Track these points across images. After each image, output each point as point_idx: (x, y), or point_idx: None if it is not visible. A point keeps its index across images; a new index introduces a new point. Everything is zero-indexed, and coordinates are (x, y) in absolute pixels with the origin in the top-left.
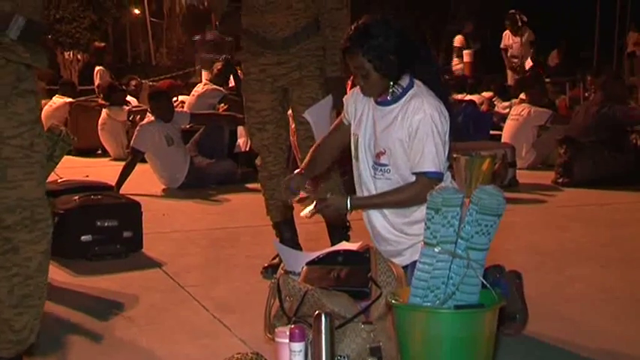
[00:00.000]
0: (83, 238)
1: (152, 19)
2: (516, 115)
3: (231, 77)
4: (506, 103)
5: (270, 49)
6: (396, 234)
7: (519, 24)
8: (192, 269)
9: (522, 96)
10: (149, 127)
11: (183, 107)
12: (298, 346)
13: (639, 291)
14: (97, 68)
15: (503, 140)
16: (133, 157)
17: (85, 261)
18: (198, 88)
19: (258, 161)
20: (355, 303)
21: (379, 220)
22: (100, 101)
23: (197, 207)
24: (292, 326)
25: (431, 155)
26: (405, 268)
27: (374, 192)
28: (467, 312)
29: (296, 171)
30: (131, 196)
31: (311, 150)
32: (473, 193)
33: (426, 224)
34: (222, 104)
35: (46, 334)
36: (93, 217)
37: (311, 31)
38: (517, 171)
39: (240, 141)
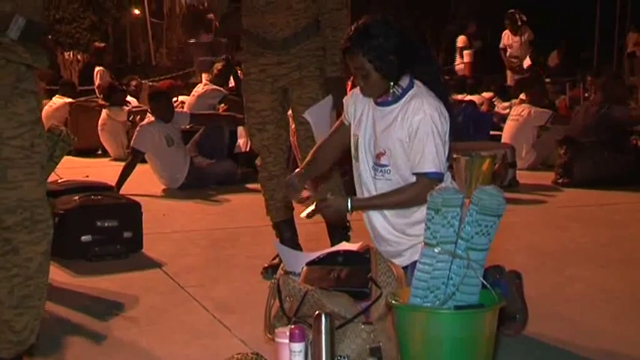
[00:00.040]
0: (83, 238)
1: (152, 20)
2: (516, 115)
3: (231, 77)
4: (507, 104)
5: (270, 50)
6: (396, 234)
7: (519, 23)
8: (193, 270)
9: (522, 96)
10: (149, 128)
11: (183, 107)
12: (298, 347)
13: (639, 291)
14: (97, 69)
15: (503, 140)
16: (133, 158)
17: (85, 261)
18: (199, 89)
19: (258, 161)
20: (355, 303)
21: (379, 220)
22: (100, 101)
23: (197, 207)
24: (292, 326)
25: (431, 156)
26: (405, 268)
27: (374, 192)
28: (467, 312)
29: (296, 170)
30: (131, 197)
31: (312, 150)
32: (473, 193)
33: (426, 224)
34: (222, 104)
35: (46, 334)
36: (93, 217)
37: (311, 31)
38: (517, 171)
39: (241, 141)
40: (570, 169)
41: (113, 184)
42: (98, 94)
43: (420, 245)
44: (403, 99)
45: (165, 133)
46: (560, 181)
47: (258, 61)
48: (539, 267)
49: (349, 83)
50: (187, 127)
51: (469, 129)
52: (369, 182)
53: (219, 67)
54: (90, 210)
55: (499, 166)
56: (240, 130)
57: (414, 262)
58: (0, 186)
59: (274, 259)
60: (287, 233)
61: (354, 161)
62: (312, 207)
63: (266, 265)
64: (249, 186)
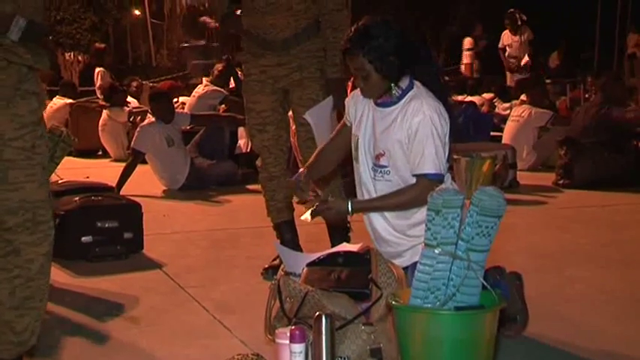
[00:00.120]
0: (83, 239)
1: (153, 21)
2: (517, 116)
3: (232, 78)
4: (507, 105)
5: (271, 51)
6: (396, 235)
7: (519, 23)
8: (193, 270)
9: (523, 97)
10: (150, 128)
11: (183, 108)
12: (299, 348)
13: (639, 292)
14: (98, 69)
15: (503, 141)
16: (134, 158)
17: (86, 262)
18: (199, 89)
19: (258, 162)
20: (356, 304)
21: (380, 221)
22: (101, 102)
23: (197, 208)
24: (293, 327)
25: (431, 157)
26: (405, 269)
27: (374, 194)
28: (467, 313)
29: (300, 170)
30: (131, 197)
31: (315, 152)
32: (473, 194)
33: (426, 225)
34: (223, 105)
35: (46, 334)
36: (93, 218)
37: (311, 32)
38: (517, 172)
39: (241, 142)
40: (571, 170)
41: (113, 184)
42: (99, 95)
43: (421, 246)
44: (403, 100)
45: (166, 134)
46: (560, 182)
47: (258, 62)
48: (540, 268)
49: (350, 84)
50: (188, 127)
51: (469, 130)
52: (368, 183)
53: (220, 68)
54: (90, 211)
55: (499, 167)
56: (241, 130)
57: (415, 263)
58: (1, 187)
59: (275, 259)
60: (287, 234)
61: (354, 162)
62: (313, 209)
63: (266, 266)
64: (250, 187)
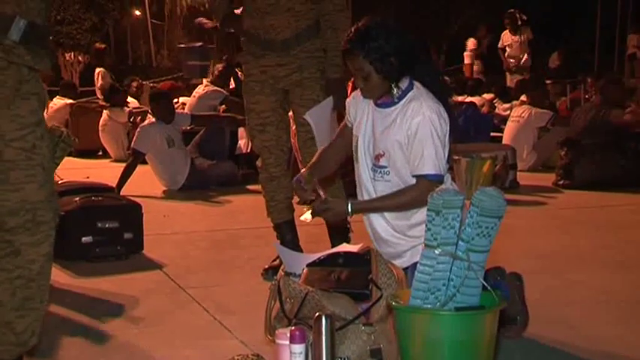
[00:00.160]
0: (84, 239)
1: (153, 21)
2: (517, 116)
3: (232, 79)
4: (507, 105)
5: (271, 51)
6: (396, 236)
7: (519, 23)
8: (193, 271)
9: (523, 98)
10: (150, 129)
11: (184, 109)
12: (299, 348)
13: (639, 294)
14: (98, 70)
15: (503, 142)
16: (134, 159)
17: (86, 262)
18: (199, 90)
19: (258, 163)
20: (356, 305)
21: (379, 222)
22: (101, 103)
23: (198, 208)
24: (293, 328)
25: (431, 158)
26: (405, 270)
27: (373, 194)
28: (467, 314)
29: (302, 170)
30: (132, 198)
31: (318, 152)
32: (473, 195)
33: (426, 226)
34: (223, 105)
35: (46, 335)
36: (93, 218)
37: (312, 32)
38: (518, 173)
39: (241, 142)
40: (571, 171)
41: (114, 185)
42: (99, 96)
43: (421, 247)
44: (402, 101)
45: (166, 135)
46: (560, 182)
47: (258, 62)
48: (540, 269)
49: (350, 85)
50: (188, 128)
51: (470, 131)
52: (368, 184)
53: (220, 69)
54: (90, 211)
55: (500, 168)
56: (241, 131)
57: (415, 264)
58: (2, 188)
59: (275, 260)
60: (288, 235)
61: (355, 163)
62: (313, 210)
63: (266, 267)
64: (250, 187)
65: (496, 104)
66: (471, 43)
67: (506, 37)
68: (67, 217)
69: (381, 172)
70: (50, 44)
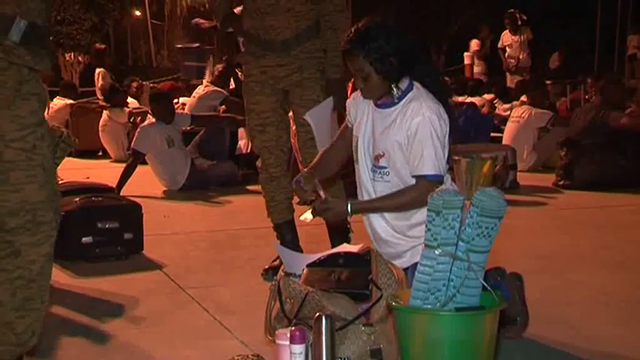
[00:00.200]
0: (84, 239)
1: (153, 21)
2: (517, 117)
3: (232, 79)
4: (507, 105)
5: (271, 51)
6: (396, 236)
7: (519, 23)
8: (193, 271)
9: (523, 98)
10: (150, 129)
11: (184, 109)
12: (299, 348)
13: (639, 294)
14: (98, 70)
15: (503, 142)
16: (134, 159)
17: (86, 263)
18: (199, 90)
19: (259, 163)
20: (356, 305)
21: (379, 222)
22: (101, 103)
23: (198, 209)
24: (293, 328)
25: (430, 158)
26: (405, 270)
27: (373, 194)
28: (467, 314)
29: (304, 170)
30: (132, 198)
31: (319, 153)
32: (473, 195)
33: (426, 226)
34: (223, 106)
35: (46, 335)
36: (94, 218)
37: (312, 33)
38: (518, 173)
39: (241, 143)
40: (571, 171)
41: (114, 185)
42: (99, 96)
43: (421, 247)
44: (402, 101)
45: (166, 135)
46: (560, 183)
47: (258, 62)
48: (540, 269)
49: (350, 85)
50: (188, 128)
51: (470, 131)
52: (368, 184)
53: (220, 69)
54: (91, 211)
55: (500, 168)
56: (241, 131)
57: (415, 264)
58: (2, 188)
59: (275, 260)
60: (288, 235)
61: (354, 163)
62: (313, 210)
63: (266, 267)
64: (250, 187)
65: (496, 105)
66: (474, 44)
67: (506, 37)
68: (67, 218)
69: (380, 172)
70: (50, 45)
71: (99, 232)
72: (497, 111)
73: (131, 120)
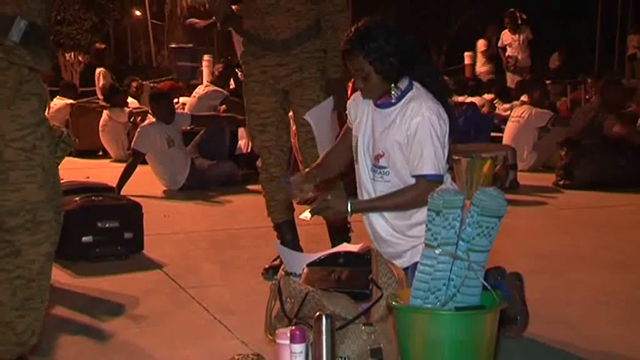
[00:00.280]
0: (84, 239)
1: (153, 21)
2: (517, 117)
3: (231, 79)
4: (507, 105)
5: (271, 51)
6: (396, 236)
7: (519, 22)
8: (193, 271)
9: (523, 98)
10: (150, 129)
11: (184, 109)
12: (299, 348)
13: (639, 294)
14: (99, 70)
15: (504, 142)
16: (134, 159)
17: (86, 262)
18: (200, 90)
19: (259, 163)
20: (356, 304)
21: (379, 222)
22: (101, 103)
23: (198, 208)
24: (293, 327)
25: (430, 158)
26: (405, 269)
27: (373, 194)
28: (468, 314)
29: (306, 170)
30: (132, 198)
31: (322, 155)
32: (474, 194)
33: (426, 226)
34: (223, 105)
35: (46, 334)
36: (94, 218)
37: (312, 33)
38: (518, 173)
39: (242, 142)
40: (571, 171)
41: (114, 185)
42: (100, 96)
43: (421, 246)
44: (402, 101)
45: (166, 135)
46: (561, 182)
47: (259, 62)
48: (540, 269)
49: (350, 85)
50: (188, 128)
51: (470, 131)
52: (368, 184)
53: (220, 70)
54: (91, 211)
55: (500, 168)
56: (241, 131)
57: (415, 264)
58: (2, 188)
59: (275, 260)
60: (288, 234)
61: (354, 163)
62: (312, 209)
63: (267, 267)
64: (250, 187)
65: (496, 104)
66: (481, 44)
67: (506, 37)
68: (67, 217)
69: (380, 172)
70: (50, 45)
71: (99, 232)
72: (497, 111)
73: (131, 120)
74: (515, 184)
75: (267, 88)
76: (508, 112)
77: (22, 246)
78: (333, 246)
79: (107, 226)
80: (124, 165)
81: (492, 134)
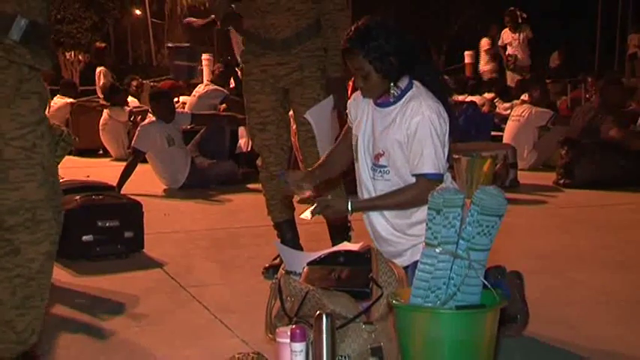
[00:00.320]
0: (84, 238)
1: (153, 20)
2: (517, 116)
3: (232, 78)
4: (508, 104)
5: (271, 50)
6: (396, 235)
7: (519, 21)
8: (194, 270)
9: (524, 97)
10: (150, 128)
11: (184, 108)
12: (299, 346)
13: (639, 294)
14: (99, 69)
15: (504, 141)
16: (134, 158)
17: (86, 261)
18: (200, 89)
19: (259, 162)
20: (356, 303)
21: (379, 221)
22: (102, 102)
23: (198, 207)
24: (293, 326)
25: (430, 157)
26: (405, 268)
27: (373, 193)
28: (468, 312)
29: (309, 169)
30: (132, 197)
31: (325, 154)
32: (474, 193)
33: (427, 225)
34: (224, 104)
35: (46, 333)
36: (94, 217)
37: (312, 32)
38: (518, 172)
39: (242, 141)
40: (571, 170)
41: (114, 184)
42: (101, 94)
43: (421, 245)
44: (402, 100)
45: (167, 134)
46: (561, 181)
47: (259, 61)
48: (540, 268)
49: (350, 84)
50: (188, 127)
51: (470, 130)
52: (368, 183)
53: (221, 69)
54: (91, 210)
55: (500, 167)
56: (242, 130)
57: (415, 262)
58: (1, 187)
59: (275, 259)
60: (288, 233)
61: (355, 162)
62: (313, 208)
63: (267, 265)
64: (250, 186)
65: (496, 103)
66: (485, 42)
67: (506, 35)
68: (67, 216)
69: (380, 171)
70: (51, 43)
71: (99, 231)
72: (497, 110)
73: (131, 119)
74: (516, 183)
75: (268, 87)
76: (508, 111)
77: (22, 245)
78: (333, 245)
79: (107, 224)
80: (124, 164)
81: (492, 133)
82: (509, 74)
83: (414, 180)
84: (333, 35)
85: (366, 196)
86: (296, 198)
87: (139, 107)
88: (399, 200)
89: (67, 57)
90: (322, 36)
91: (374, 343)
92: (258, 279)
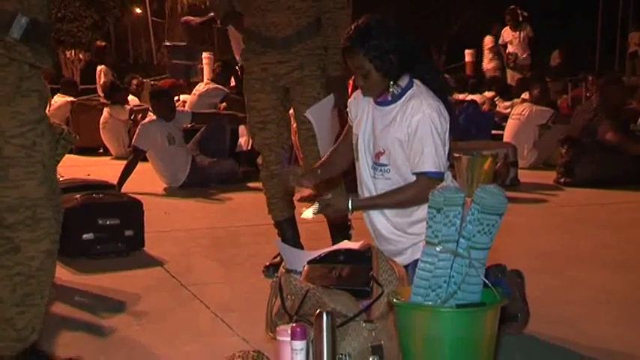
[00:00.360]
0: (85, 236)
1: (154, 19)
2: (518, 114)
3: (232, 77)
4: (508, 103)
5: (272, 48)
6: (397, 233)
7: (520, 19)
8: (194, 268)
9: (524, 95)
10: (150, 126)
11: (184, 106)
12: (300, 345)
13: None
14: (100, 67)
15: (504, 140)
16: (135, 156)
17: (87, 259)
18: (200, 87)
19: (259, 160)
20: (357, 302)
21: (380, 219)
22: (102, 100)
23: (198, 206)
24: (294, 325)
25: (430, 155)
26: (406, 267)
27: (374, 192)
28: (468, 311)
29: (310, 169)
30: (133, 195)
31: (327, 153)
32: (474, 192)
33: (427, 223)
34: (224, 103)
35: (46, 331)
36: (94, 215)
37: (313, 30)
38: (519, 170)
39: (242, 140)
40: (572, 169)
41: (114, 182)
42: (101, 93)
43: (421, 244)
44: (402, 99)
45: (167, 132)
46: (561, 180)
47: (259, 60)
48: (540, 268)
49: (350, 82)
50: (189, 125)
51: (471, 128)
52: (368, 181)
53: (220, 67)
54: (91, 208)
55: (500, 166)
56: (242, 128)
57: (415, 261)
58: (1, 185)
59: (275, 257)
60: (288, 232)
61: (355, 161)
62: (314, 207)
63: (267, 264)
64: (251, 185)
65: (497, 102)
66: (488, 40)
67: (507, 34)
68: (68, 215)
69: (381, 169)
70: (51, 42)
71: (100, 229)
72: (497, 108)
73: (132, 117)
74: (516, 182)
75: (268, 86)
76: (509, 110)
77: (22, 243)
78: (333, 243)
79: (108, 223)
80: (125, 162)
81: (493, 132)
82: (509, 73)
83: (414, 178)
84: (333, 34)
85: (366, 194)
86: (296, 196)
87: (139, 106)
88: (399, 199)
89: (68, 55)
90: (323, 34)
91: (374, 341)
92: (259, 277)
